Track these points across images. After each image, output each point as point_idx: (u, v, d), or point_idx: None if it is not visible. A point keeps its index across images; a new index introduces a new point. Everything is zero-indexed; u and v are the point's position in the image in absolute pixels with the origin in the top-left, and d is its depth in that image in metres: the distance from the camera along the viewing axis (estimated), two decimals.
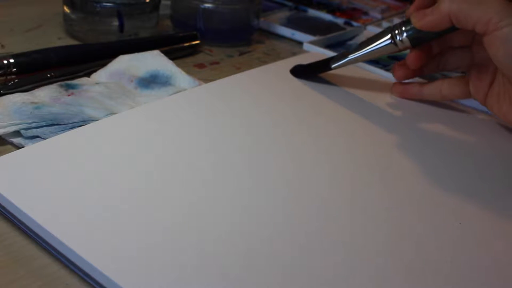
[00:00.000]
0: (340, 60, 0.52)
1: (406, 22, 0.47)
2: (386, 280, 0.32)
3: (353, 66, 0.61)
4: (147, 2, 0.60)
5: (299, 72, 0.55)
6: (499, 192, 0.41)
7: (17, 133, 0.41)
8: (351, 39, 0.70)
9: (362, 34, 0.72)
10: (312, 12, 0.78)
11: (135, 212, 0.34)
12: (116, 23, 0.59)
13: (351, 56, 0.51)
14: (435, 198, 0.39)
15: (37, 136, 0.41)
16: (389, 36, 0.48)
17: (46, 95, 0.45)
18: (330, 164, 0.42)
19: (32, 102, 0.44)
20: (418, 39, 0.47)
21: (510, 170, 0.44)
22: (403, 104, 0.52)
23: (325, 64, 0.53)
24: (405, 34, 0.47)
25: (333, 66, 0.52)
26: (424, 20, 0.44)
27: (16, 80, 0.47)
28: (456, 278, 0.32)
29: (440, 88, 0.51)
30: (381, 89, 0.56)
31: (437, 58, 0.52)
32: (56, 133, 0.41)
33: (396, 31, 0.48)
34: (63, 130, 0.41)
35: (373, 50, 0.49)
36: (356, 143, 0.45)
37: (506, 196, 0.40)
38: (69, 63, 0.51)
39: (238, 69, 0.59)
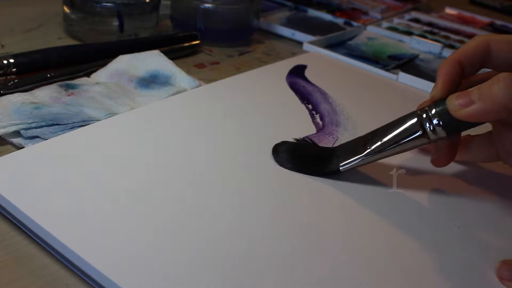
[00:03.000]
0: (351, 159, 0.39)
1: (437, 105, 0.36)
2: (385, 280, 0.32)
3: (351, 65, 0.61)
4: (147, 2, 0.61)
5: (284, 155, 0.41)
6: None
7: (17, 133, 0.41)
8: (351, 39, 0.70)
9: (362, 34, 0.72)
10: (312, 12, 0.78)
11: (135, 212, 0.34)
12: (116, 23, 0.59)
13: (366, 155, 0.38)
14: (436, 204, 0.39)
15: (37, 136, 0.41)
16: (416, 122, 0.37)
17: (46, 95, 0.45)
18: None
19: (32, 102, 0.44)
20: (456, 129, 0.37)
21: None
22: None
23: (324, 160, 0.40)
24: (435, 121, 0.36)
25: (342, 168, 0.39)
26: (470, 109, 0.34)
27: (16, 80, 0.47)
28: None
29: (460, 152, 0.41)
30: (380, 87, 0.56)
31: None
32: (56, 133, 0.41)
33: (424, 115, 0.37)
34: (63, 130, 0.41)
35: (396, 146, 0.37)
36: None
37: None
38: (69, 63, 0.51)
39: (238, 69, 0.59)
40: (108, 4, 0.58)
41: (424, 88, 0.57)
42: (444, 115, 0.36)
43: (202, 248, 0.32)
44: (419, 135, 0.37)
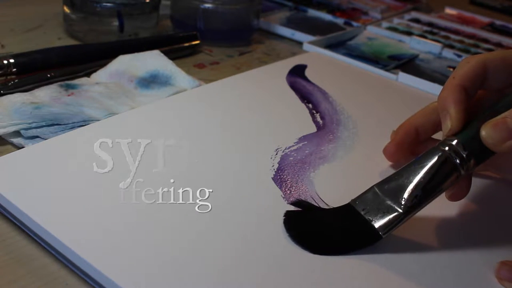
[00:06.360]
0: (387, 220, 0.33)
1: (459, 137, 0.34)
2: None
3: (351, 65, 0.61)
4: (147, 2, 0.61)
5: (300, 227, 0.35)
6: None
7: (17, 133, 0.41)
8: (351, 39, 0.70)
9: (362, 34, 0.72)
10: (312, 12, 0.78)
11: (135, 212, 0.34)
12: (116, 23, 0.59)
13: (406, 213, 0.33)
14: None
15: (37, 136, 0.41)
16: (444, 160, 0.34)
17: (46, 95, 0.45)
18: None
19: (32, 102, 0.44)
20: (485, 157, 0.34)
21: None
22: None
23: (352, 227, 0.34)
24: (465, 154, 0.33)
25: (385, 233, 0.33)
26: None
27: (16, 80, 0.47)
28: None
29: None
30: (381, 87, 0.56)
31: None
32: (56, 133, 0.41)
33: (448, 149, 0.34)
34: (63, 130, 0.41)
35: (434, 193, 0.34)
36: (358, 142, 0.45)
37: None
38: (69, 63, 0.51)
39: (238, 69, 0.59)
40: (108, 4, 0.58)
41: (424, 88, 0.57)
42: (471, 146, 0.33)
43: (203, 248, 0.32)
44: (454, 173, 0.34)
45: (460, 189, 0.35)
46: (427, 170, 0.34)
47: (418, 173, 0.34)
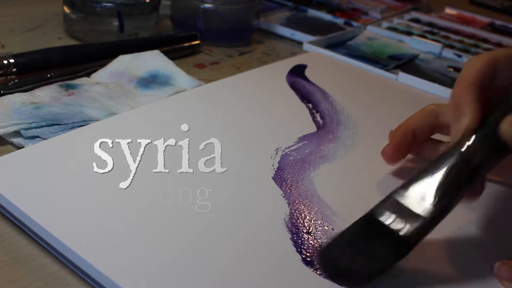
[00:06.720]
0: (416, 226, 0.31)
1: (476, 133, 0.33)
2: None
3: (351, 65, 0.61)
4: (147, 2, 0.61)
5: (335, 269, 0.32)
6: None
7: (17, 133, 0.41)
8: (351, 39, 0.70)
9: (362, 34, 0.72)
10: (312, 12, 0.78)
11: (135, 212, 0.34)
12: (116, 23, 0.59)
13: (433, 219, 0.32)
14: None
15: (37, 136, 0.41)
16: (465, 163, 0.33)
17: (46, 95, 0.45)
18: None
19: (32, 102, 0.44)
20: (503, 157, 0.34)
21: None
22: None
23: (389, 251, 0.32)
24: (482, 153, 0.33)
25: (414, 246, 0.32)
26: None
27: (16, 80, 0.47)
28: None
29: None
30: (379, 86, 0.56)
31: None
32: (56, 133, 0.41)
33: (471, 152, 0.33)
34: (63, 130, 0.41)
35: (459, 195, 0.33)
36: (358, 141, 0.45)
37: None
38: (69, 63, 0.51)
39: (238, 69, 0.59)
40: (108, 4, 0.58)
41: (424, 88, 0.57)
42: (488, 144, 0.33)
43: (203, 248, 0.32)
44: (473, 174, 0.33)
45: (475, 189, 0.35)
46: (446, 173, 0.32)
47: (437, 177, 0.32)
